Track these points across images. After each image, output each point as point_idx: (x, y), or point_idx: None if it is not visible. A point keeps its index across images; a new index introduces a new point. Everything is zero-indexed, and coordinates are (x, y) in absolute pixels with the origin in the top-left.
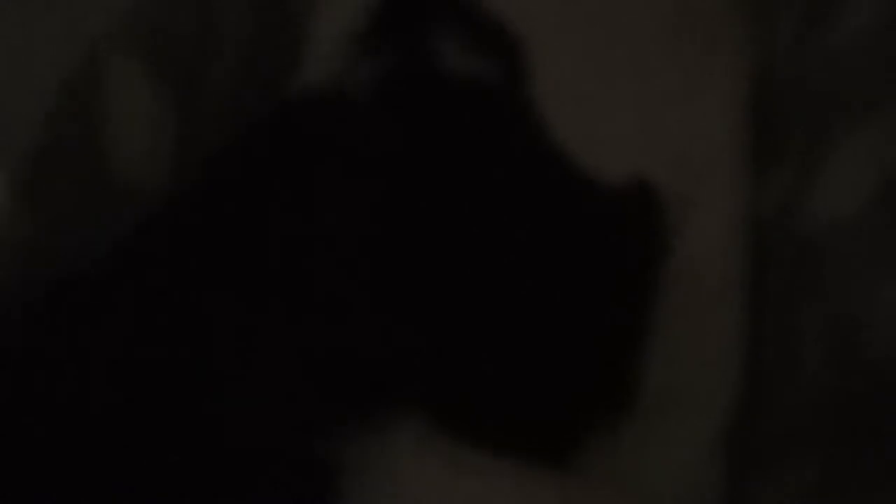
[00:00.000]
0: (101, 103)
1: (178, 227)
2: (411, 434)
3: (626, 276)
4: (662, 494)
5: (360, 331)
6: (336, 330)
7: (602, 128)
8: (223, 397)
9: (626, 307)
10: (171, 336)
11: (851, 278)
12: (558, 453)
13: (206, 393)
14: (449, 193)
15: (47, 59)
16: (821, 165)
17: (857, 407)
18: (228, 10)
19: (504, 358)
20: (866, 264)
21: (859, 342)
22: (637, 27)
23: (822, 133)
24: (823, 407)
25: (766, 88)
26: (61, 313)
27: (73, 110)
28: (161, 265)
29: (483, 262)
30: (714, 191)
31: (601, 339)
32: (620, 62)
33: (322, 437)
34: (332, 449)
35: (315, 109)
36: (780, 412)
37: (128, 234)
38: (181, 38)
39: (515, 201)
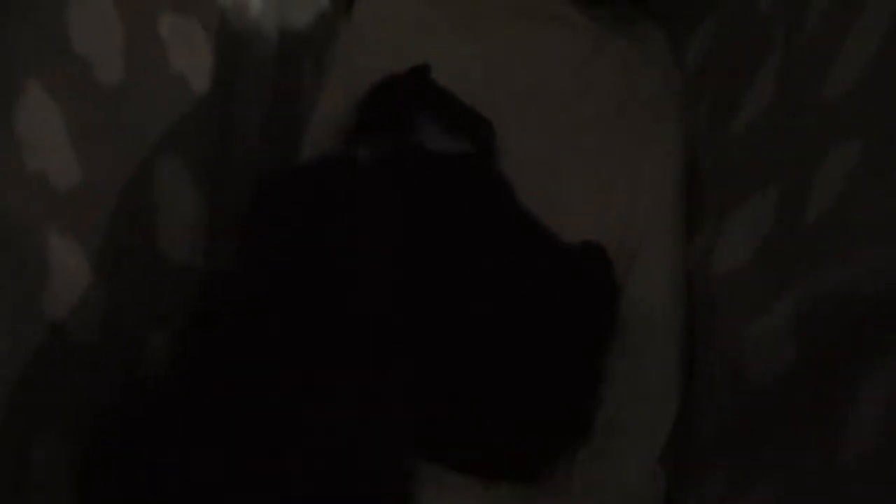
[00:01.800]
0: (153, 194)
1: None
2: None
3: (584, 323)
4: None
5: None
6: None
7: (559, 198)
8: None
9: (584, 350)
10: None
11: (732, 319)
12: (527, 473)
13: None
14: (436, 250)
15: (115, 160)
16: (720, 230)
17: (746, 423)
18: (243, 117)
19: (481, 394)
20: (741, 308)
21: (742, 370)
22: (590, 114)
23: (724, 204)
24: (727, 426)
25: (693, 167)
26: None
27: (134, 199)
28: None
29: (463, 311)
30: (654, 251)
31: (564, 376)
32: (575, 145)
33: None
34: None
35: (324, 173)
36: (702, 432)
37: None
38: (210, 139)
39: (491, 255)
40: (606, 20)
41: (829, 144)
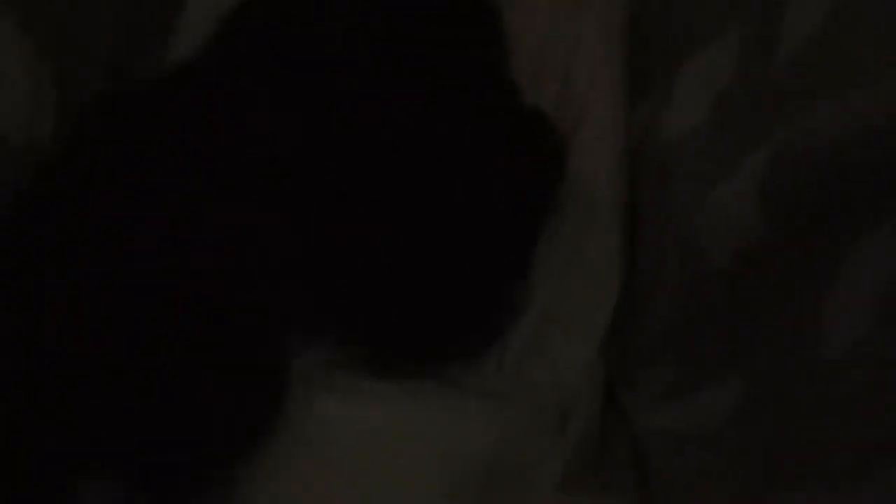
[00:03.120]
0: None
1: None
2: (312, 368)
3: (522, 194)
4: (547, 405)
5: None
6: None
7: None
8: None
9: (516, 226)
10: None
11: (689, 188)
12: (433, 366)
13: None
14: (383, 78)
15: None
16: (670, 90)
17: (702, 308)
18: None
19: (387, 263)
20: (699, 174)
21: (699, 247)
22: None
23: (673, 62)
24: (679, 313)
25: (639, 26)
26: None
27: None
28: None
29: (388, 160)
30: (596, 119)
31: (490, 257)
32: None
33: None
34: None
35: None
36: (647, 322)
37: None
38: (59, 5)
39: (442, 100)
40: None
41: None
